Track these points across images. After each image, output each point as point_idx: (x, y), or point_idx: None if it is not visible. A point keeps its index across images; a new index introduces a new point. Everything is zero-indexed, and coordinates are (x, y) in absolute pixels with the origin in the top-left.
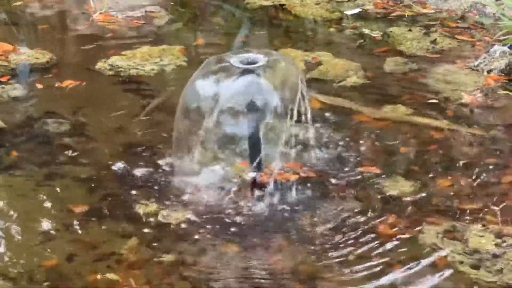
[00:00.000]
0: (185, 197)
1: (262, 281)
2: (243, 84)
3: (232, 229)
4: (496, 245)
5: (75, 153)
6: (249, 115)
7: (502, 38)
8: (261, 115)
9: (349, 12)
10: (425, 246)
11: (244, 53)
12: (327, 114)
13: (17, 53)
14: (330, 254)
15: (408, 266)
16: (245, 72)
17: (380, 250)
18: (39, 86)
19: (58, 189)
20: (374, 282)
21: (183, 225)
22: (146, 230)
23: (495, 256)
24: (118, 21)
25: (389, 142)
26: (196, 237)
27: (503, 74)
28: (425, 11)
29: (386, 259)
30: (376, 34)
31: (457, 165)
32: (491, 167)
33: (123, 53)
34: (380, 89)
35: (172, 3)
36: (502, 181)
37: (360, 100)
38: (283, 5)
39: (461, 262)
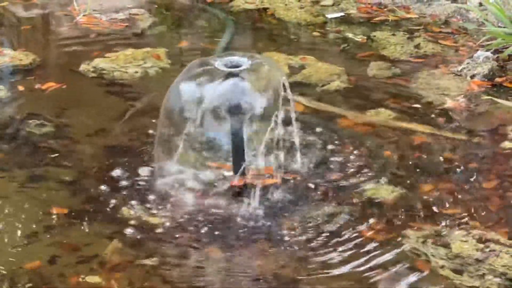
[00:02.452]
0: (168, 200)
1: (244, 283)
2: (227, 87)
3: (215, 232)
4: (479, 250)
5: (58, 155)
6: (232, 118)
7: (485, 43)
8: (244, 118)
9: (331, 16)
10: (408, 250)
11: (228, 56)
12: (310, 118)
13: (0, 54)
14: (311, 258)
15: (390, 270)
16: (229, 75)
17: (362, 254)
18: (22, 87)
19: (40, 191)
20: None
21: (165, 228)
22: (128, 233)
23: (478, 261)
24: (102, 23)
25: (372, 147)
26: (178, 239)
27: (486, 79)
28: (408, 15)
29: (368, 263)
30: (360, 39)
31: (440, 170)
32: (473, 172)
33: (106, 55)
34: (363, 93)
35: (156, 6)
36: (485, 186)
37: (343, 104)
38: (267, 8)
39: (443, 267)
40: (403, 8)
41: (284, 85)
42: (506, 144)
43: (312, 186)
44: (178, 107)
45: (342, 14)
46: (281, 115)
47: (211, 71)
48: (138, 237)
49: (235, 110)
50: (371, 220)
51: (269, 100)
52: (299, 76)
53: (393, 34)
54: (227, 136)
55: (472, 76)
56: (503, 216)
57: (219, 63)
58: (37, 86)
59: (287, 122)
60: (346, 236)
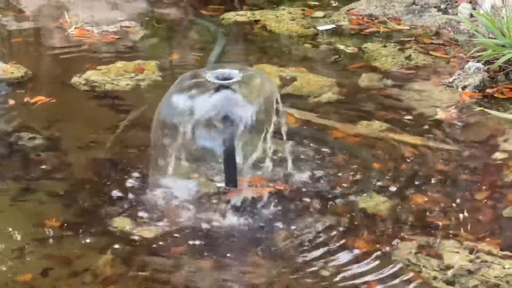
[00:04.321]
0: (160, 212)
1: None
2: (218, 99)
3: (208, 244)
4: (471, 261)
5: (50, 168)
6: (224, 130)
7: (476, 54)
8: (236, 131)
9: (321, 28)
10: (399, 262)
11: (219, 68)
12: (302, 130)
13: None
14: (304, 269)
15: (383, 282)
16: (220, 87)
17: (354, 265)
18: (13, 100)
19: (32, 203)
20: None
21: (158, 240)
22: (121, 245)
23: (469, 272)
24: (94, 35)
25: (364, 158)
26: (171, 252)
27: (477, 91)
28: (399, 27)
29: (360, 275)
30: (351, 50)
31: (432, 181)
32: (465, 183)
33: (98, 67)
34: (354, 105)
35: (147, 18)
36: (476, 197)
37: (335, 116)
38: (258, 20)
39: (435, 278)
40: (394, 20)
41: (275, 97)
42: (497, 155)
43: (303, 197)
44: (170, 119)
45: (333, 26)
46: (272, 127)
47: (202, 83)
48: (131, 249)
49: (227, 122)
50: (362, 231)
51: (260, 112)
52: (290, 88)
53: (384, 46)
54: (219, 148)
55: (463, 87)
56: (494, 227)
57: (210, 76)
58: (28, 99)
59: (278, 133)
60: (337, 248)
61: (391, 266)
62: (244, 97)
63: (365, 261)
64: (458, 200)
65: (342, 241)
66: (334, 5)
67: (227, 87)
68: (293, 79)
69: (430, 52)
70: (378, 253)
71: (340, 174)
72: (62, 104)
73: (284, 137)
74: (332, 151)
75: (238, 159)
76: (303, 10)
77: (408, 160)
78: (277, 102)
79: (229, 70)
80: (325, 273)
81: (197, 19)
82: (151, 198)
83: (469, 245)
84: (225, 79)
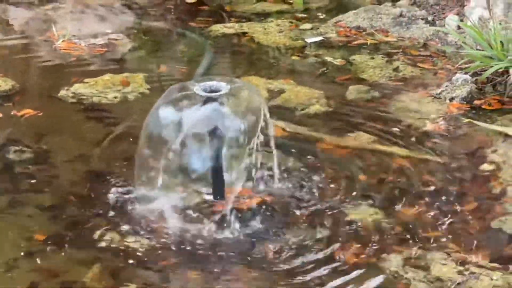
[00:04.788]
0: (148, 225)
1: None
2: (206, 112)
3: (196, 257)
4: (459, 273)
5: (37, 181)
6: (212, 143)
7: (464, 66)
8: (224, 143)
9: (309, 40)
10: (388, 274)
11: (207, 81)
12: (290, 142)
13: None
14: (292, 282)
15: None
16: (208, 100)
17: (343, 278)
18: (1, 113)
19: (20, 217)
20: None
21: (146, 253)
22: (109, 258)
23: (457, 284)
24: (81, 48)
25: (352, 170)
26: (160, 265)
27: (465, 102)
28: (387, 39)
29: (348, 287)
30: (339, 62)
31: (420, 192)
32: (453, 195)
33: (86, 80)
34: (342, 117)
35: (135, 31)
36: (464, 208)
37: (323, 128)
38: (246, 33)
39: None
40: (382, 32)
41: (263, 109)
42: (485, 166)
43: (291, 209)
44: (157, 132)
45: (321, 38)
46: (260, 139)
47: (190, 96)
48: (118, 262)
49: (214, 135)
50: (350, 243)
51: (248, 124)
52: (278, 100)
53: (372, 58)
54: (207, 160)
55: (451, 99)
56: (482, 239)
57: (198, 88)
58: (16, 112)
59: (266, 145)
60: (325, 260)
61: (379, 278)
62: (232, 110)
63: (353, 273)
64: (446, 212)
65: (330, 253)
66: (321, 17)
67: (215, 99)
68: (281, 91)
69: (418, 64)
70: (366, 264)
71: (327, 186)
72: (50, 117)
73: (272, 149)
74: (320, 162)
75: (226, 171)
76: (291, 22)
77: (396, 172)
78: (265, 114)
79: (216, 82)
80: (311, 284)
81: (185, 32)
82: (139, 211)
83: (458, 257)
84: (213, 91)
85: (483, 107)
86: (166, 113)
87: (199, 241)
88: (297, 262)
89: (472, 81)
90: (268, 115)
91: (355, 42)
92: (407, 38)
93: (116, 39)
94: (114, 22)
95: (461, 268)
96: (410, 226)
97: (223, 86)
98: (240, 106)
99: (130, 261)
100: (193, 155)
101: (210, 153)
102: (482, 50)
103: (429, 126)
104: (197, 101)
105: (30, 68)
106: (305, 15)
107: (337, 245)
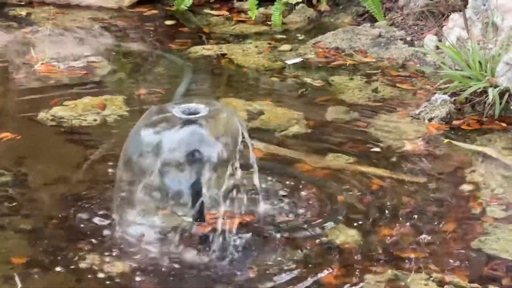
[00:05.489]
0: (128, 248)
1: None
2: (185, 134)
3: (176, 279)
4: None
5: (17, 204)
6: (191, 166)
7: (443, 86)
8: (203, 165)
9: (290, 62)
10: None
11: (186, 103)
12: (269, 164)
13: None
14: None
15: None
16: (187, 122)
17: None
18: None
19: None
20: None
21: (126, 277)
22: (89, 282)
23: None
24: (60, 71)
25: (332, 191)
26: None
27: (444, 123)
28: (366, 60)
29: None
30: (318, 83)
31: (399, 213)
32: (432, 215)
33: (65, 103)
34: (322, 138)
35: (114, 53)
36: (444, 229)
37: (303, 149)
38: (225, 54)
39: None
40: (361, 52)
41: (242, 131)
42: (465, 187)
43: (271, 230)
44: (136, 155)
45: (300, 59)
46: (240, 161)
47: (169, 118)
48: (99, 286)
49: (193, 157)
50: (330, 265)
51: (227, 146)
52: (258, 121)
53: (351, 78)
54: (186, 183)
55: (430, 119)
56: (462, 259)
57: (176, 110)
58: None
59: (246, 167)
60: (304, 281)
61: None
62: (211, 132)
63: None
64: (426, 232)
65: (310, 275)
66: (300, 38)
67: (194, 121)
68: (260, 112)
69: (397, 84)
70: (347, 286)
71: (307, 207)
72: (29, 140)
73: (252, 171)
74: (300, 184)
75: (206, 193)
76: (270, 43)
77: (376, 193)
78: (244, 136)
79: (195, 104)
80: None
81: (164, 53)
82: (119, 235)
83: (437, 277)
84: (191, 113)
85: (462, 127)
86: (145, 136)
87: (179, 264)
88: (276, 283)
89: (451, 101)
90: (247, 137)
91: (334, 63)
92: (386, 59)
93: (95, 62)
94: (93, 44)
95: None
96: (390, 247)
97: (202, 108)
98: (219, 128)
99: (111, 285)
100: (172, 177)
101: (190, 175)
102: (461, 70)
103: (408, 147)
104: (176, 124)
105: (9, 91)
106: (284, 36)
107: (316, 267)
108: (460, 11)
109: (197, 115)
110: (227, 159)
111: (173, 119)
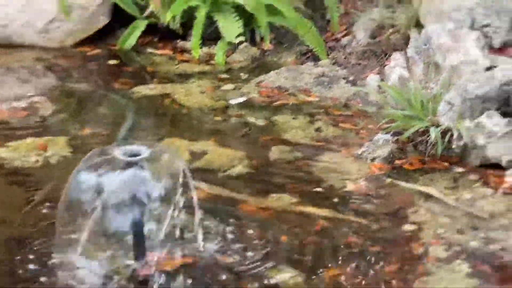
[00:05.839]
0: None
1: None
2: (126, 176)
3: None
4: None
5: None
6: (132, 208)
7: (385, 126)
8: (144, 207)
9: (233, 101)
10: None
11: (127, 144)
12: (212, 204)
13: None
14: None
15: None
16: (128, 164)
17: None
18: None
19: None
20: None
21: None
22: None
23: None
24: (2, 111)
25: (274, 232)
26: None
27: (387, 162)
28: (309, 99)
29: None
30: (261, 123)
31: (342, 254)
32: (375, 255)
33: (7, 144)
34: (265, 178)
35: (57, 93)
36: (387, 270)
37: (246, 189)
38: (169, 94)
39: None
40: (304, 92)
41: (184, 172)
42: (407, 227)
43: (213, 270)
44: (78, 197)
45: (244, 98)
46: (182, 202)
47: (111, 160)
48: None
49: (135, 200)
50: None
51: (169, 188)
52: (201, 162)
53: (294, 118)
54: (128, 225)
55: (373, 159)
56: None
57: (118, 152)
58: None
59: (188, 208)
60: None
61: None
62: (153, 174)
63: None
64: (368, 273)
65: None
66: (244, 77)
67: (135, 163)
68: (203, 153)
69: (340, 124)
70: None
71: (250, 248)
72: None
73: (194, 212)
74: (243, 224)
75: (147, 235)
76: (213, 83)
77: (319, 233)
78: (186, 177)
79: (137, 146)
80: None
81: (108, 93)
82: (61, 278)
83: None
84: (133, 155)
85: (404, 167)
86: (86, 178)
87: None
88: None
89: (393, 141)
90: (189, 178)
91: (278, 102)
92: (329, 98)
93: (38, 102)
94: (37, 84)
95: None
96: (333, 287)
97: (144, 150)
98: (161, 170)
99: None
100: (114, 219)
101: (131, 217)
102: (403, 110)
103: (351, 187)
104: (118, 166)
105: None
106: (227, 76)
107: None
108: (402, 50)
109: (139, 157)
110: (169, 200)
111: (115, 161)
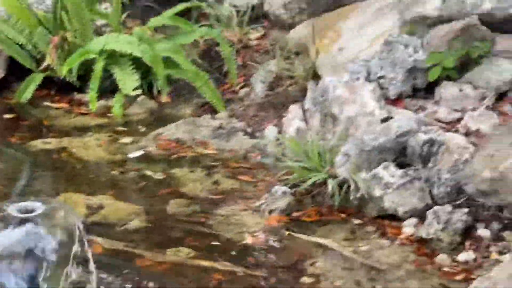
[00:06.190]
0: None
1: None
2: (20, 234)
3: None
4: None
5: None
6: (26, 265)
7: (283, 178)
8: (39, 265)
9: (131, 155)
10: None
11: (22, 201)
12: (109, 259)
13: None
14: None
15: None
16: (22, 221)
17: None
18: None
19: None
20: None
21: None
22: None
23: None
24: None
25: (171, 286)
26: None
27: (285, 214)
28: (207, 151)
29: None
30: (159, 176)
31: None
32: None
33: None
34: (163, 231)
35: None
36: None
37: (143, 243)
38: (66, 148)
39: None
40: (202, 144)
41: (79, 228)
42: (305, 279)
43: None
44: None
45: (141, 152)
46: (77, 258)
47: (4, 217)
48: None
49: (29, 257)
50: None
51: (64, 244)
52: (97, 216)
53: (192, 171)
54: (22, 282)
55: (270, 211)
56: None
57: (12, 209)
58: None
59: (84, 264)
60: None
61: None
62: (47, 230)
63: None
64: None
65: None
66: (142, 130)
67: (29, 220)
68: (100, 207)
69: (238, 176)
70: None
71: None
72: None
73: (90, 268)
74: (140, 280)
75: None
76: (110, 136)
77: (216, 287)
78: (82, 233)
79: (31, 202)
80: None
81: (2, 148)
82: None
83: None
84: (28, 212)
85: (302, 218)
86: None
87: None
88: None
89: (291, 193)
90: (84, 234)
91: (176, 155)
92: (227, 150)
93: None
94: None
95: None
96: None
97: (38, 206)
98: (55, 226)
99: None
100: (7, 277)
101: (25, 274)
102: (301, 162)
103: (249, 240)
104: (11, 222)
105: None
106: (125, 129)
107: None
108: (300, 102)
109: (33, 214)
110: (64, 256)
111: (8, 217)
